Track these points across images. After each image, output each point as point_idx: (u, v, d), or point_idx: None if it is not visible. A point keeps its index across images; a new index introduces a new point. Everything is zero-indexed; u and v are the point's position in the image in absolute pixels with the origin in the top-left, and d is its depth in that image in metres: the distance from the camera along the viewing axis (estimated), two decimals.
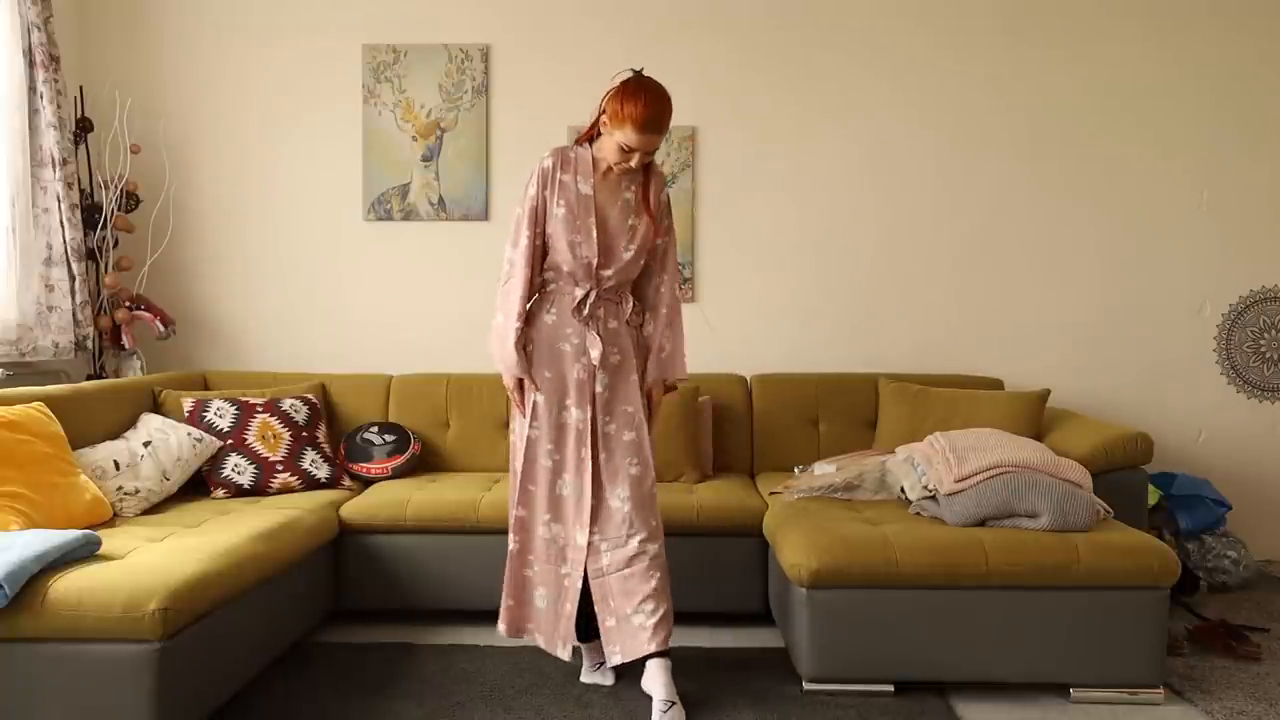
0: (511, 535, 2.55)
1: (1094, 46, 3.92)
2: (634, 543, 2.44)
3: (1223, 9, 3.90)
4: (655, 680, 2.43)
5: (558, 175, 2.50)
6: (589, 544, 2.46)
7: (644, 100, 2.35)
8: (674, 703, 2.38)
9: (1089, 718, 2.42)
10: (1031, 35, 3.93)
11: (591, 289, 2.50)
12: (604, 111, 2.43)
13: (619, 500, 2.46)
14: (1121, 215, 3.95)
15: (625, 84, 2.40)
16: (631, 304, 2.57)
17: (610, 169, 2.49)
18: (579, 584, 2.47)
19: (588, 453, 2.48)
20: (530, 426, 2.50)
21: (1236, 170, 3.93)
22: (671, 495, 3.07)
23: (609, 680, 2.58)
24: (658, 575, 2.44)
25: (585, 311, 2.50)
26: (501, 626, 2.56)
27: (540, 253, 2.52)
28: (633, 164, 2.43)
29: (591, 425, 2.49)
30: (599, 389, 2.49)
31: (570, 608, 2.48)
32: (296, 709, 2.43)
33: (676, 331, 2.62)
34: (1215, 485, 3.70)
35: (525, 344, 2.50)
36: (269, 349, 4.02)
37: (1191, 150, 3.93)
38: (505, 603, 2.55)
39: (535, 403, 2.50)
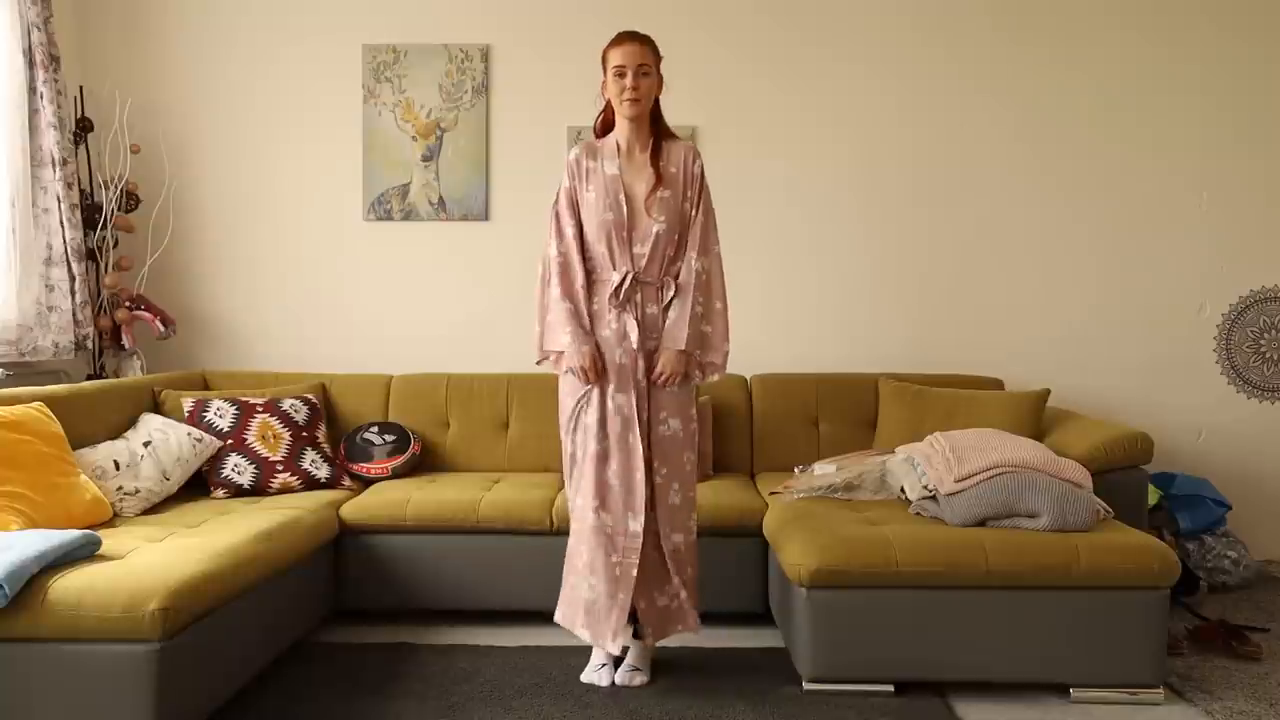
0: (573, 524, 2.65)
1: (1095, 47, 3.92)
2: (662, 530, 2.57)
3: (1222, 9, 3.90)
4: (634, 649, 2.61)
5: (585, 163, 2.63)
6: (651, 528, 2.55)
7: (616, 35, 2.62)
8: (639, 669, 2.59)
9: (1089, 718, 2.42)
10: (1031, 34, 3.92)
11: (628, 273, 2.56)
12: (602, 84, 2.63)
13: (649, 490, 2.55)
14: (1121, 215, 3.95)
15: None
16: (673, 291, 2.61)
17: (634, 149, 2.61)
18: (633, 573, 2.51)
19: (636, 439, 2.53)
20: (582, 415, 2.58)
21: (1236, 170, 3.93)
22: None
23: (605, 681, 2.58)
24: (679, 569, 2.58)
25: (621, 296, 2.57)
26: (558, 615, 2.65)
27: (581, 242, 2.62)
28: (628, 82, 2.53)
29: (637, 411, 2.55)
30: (640, 377, 2.56)
31: (624, 597, 2.52)
32: (296, 709, 2.43)
33: (706, 304, 2.62)
34: (1215, 485, 3.69)
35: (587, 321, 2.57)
36: (269, 349, 4.02)
37: (1191, 150, 3.93)
38: (566, 592, 2.63)
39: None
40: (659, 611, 2.59)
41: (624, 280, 2.56)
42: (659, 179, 2.58)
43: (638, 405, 2.55)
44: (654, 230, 2.56)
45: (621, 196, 2.57)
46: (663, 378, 2.56)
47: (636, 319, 2.56)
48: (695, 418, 2.68)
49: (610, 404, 2.55)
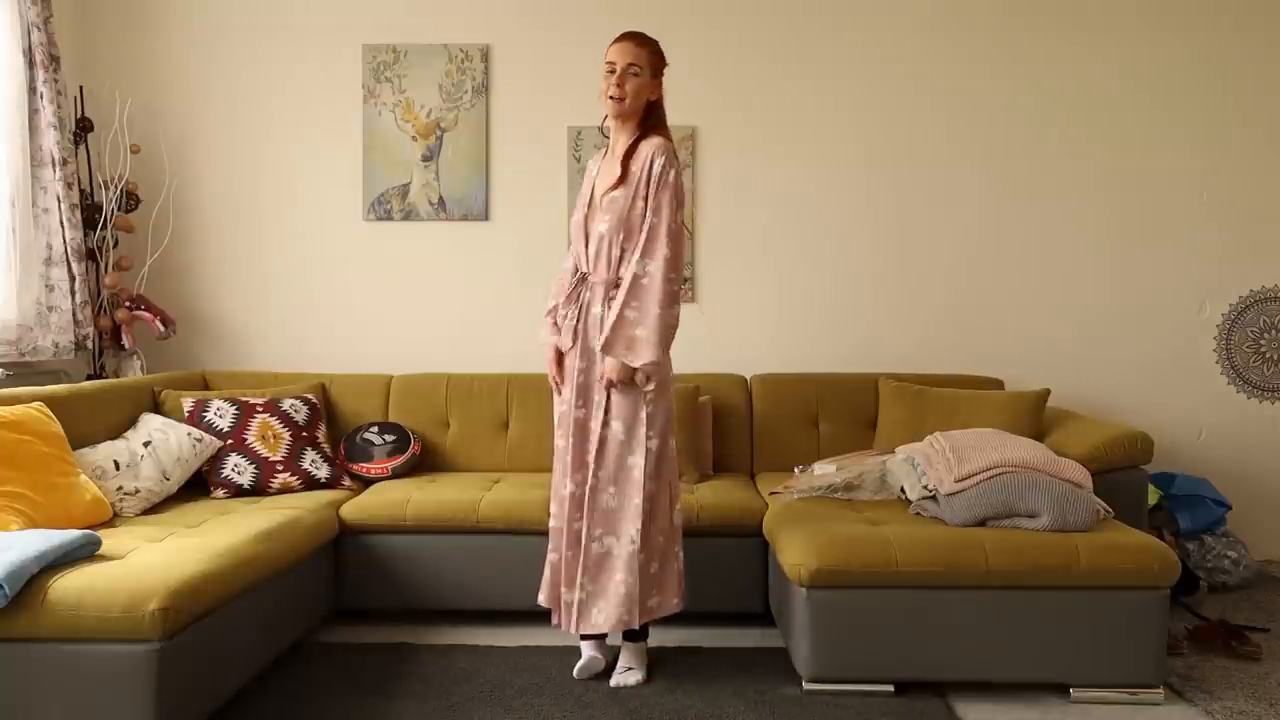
0: (552, 514, 2.70)
1: (1094, 47, 3.92)
2: (590, 531, 2.55)
3: (1222, 9, 3.89)
4: (624, 650, 2.64)
5: (589, 166, 2.74)
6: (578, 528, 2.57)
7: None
8: (632, 668, 2.60)
9: (1089, 718, 2.42)
10: (1030, 34, 3.92)
11: (582, 272, 2.61)
12: None
13: (574, 485, 2.57)
14: (1122, 215, 3.95)
15: None
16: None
17: (617, 149, 2.61)
18: (560, 562, 2.60)
19: (569, 436, 2.58)
20: (558, 408, 2.69)
21: (1236, 170, 3.93)
22: None
23: (589, 664, 2.62)
24: (593, 572, 2.55)
25: (568, 295, 2.63)
26: (540, 597, 2.69)
27: None
28: (613, 80, 2.54)
29: (582, 409, 2.59)
30: (578, 375, 2.58)
31: (566, 590, 2.58)
32: (296, 709, 2.43)
33: (640, 308, 2.46)
34: (1215, 485, 3.69)
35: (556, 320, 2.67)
36: (269, 349, 4.02)
37: (1191, 150, 3.93)
38: (548, 575, 2.68)
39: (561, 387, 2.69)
40: (564, 606, 2.58)
41: (583, 277, 2.61)
42: (620, 179, 2.54)
43: (584, 405, 2.58)
44: (599, 228, 2.56)
45: (588, 197, 2.64)
46: (604, 380, 2.53)
47: (581, 319, 2.59)
48: (647, 422, 2.50)
49: (567, 403, 2.62)
